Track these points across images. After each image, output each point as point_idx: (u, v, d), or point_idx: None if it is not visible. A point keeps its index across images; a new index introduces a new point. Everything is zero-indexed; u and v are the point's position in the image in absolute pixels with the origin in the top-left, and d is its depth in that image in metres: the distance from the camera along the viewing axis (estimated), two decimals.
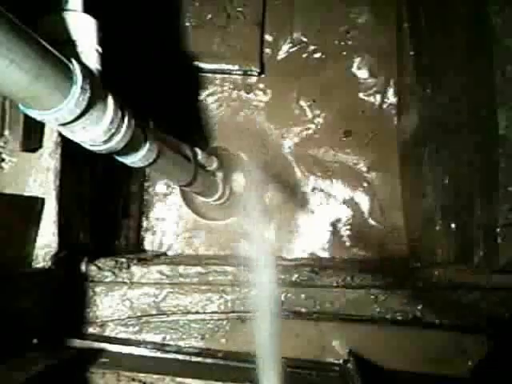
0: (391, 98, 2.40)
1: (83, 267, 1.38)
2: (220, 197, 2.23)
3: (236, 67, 2.34)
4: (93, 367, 1.17)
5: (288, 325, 1.34)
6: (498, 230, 1.40)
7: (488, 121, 1.46)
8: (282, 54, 2.43)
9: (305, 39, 2.42)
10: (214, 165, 2.04)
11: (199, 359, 1.28)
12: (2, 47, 0.68)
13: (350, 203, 2.36)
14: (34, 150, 1.30)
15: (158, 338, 1.35)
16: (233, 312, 1.36)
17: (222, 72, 2.37)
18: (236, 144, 2.42)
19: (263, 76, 2.40)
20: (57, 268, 1.30)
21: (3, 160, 1.28)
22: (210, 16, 2.35)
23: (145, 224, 2.37)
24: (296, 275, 1.43)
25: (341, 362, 1.30)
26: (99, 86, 0.96)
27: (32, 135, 1.27)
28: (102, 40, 1.06)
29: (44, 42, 0.79)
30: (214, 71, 2.37)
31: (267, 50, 2.41)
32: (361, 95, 2.41)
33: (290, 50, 2.43)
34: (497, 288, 1.37)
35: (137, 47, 2.17)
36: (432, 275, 1.45)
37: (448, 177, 1.80)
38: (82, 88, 0.86)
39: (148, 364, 1.25)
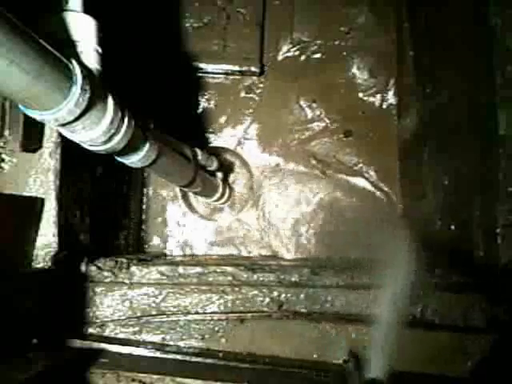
0: (391, 98, 2.40)
1: (83, 267, 1.38)
2: (220, 197, 2.23)
3: (236, 67, 2.34)
4: (93, 367, 1.17)
5: (288, 325, 1.34)
6: (498, 230, 1.40)
7: (488, 121, 1.46)
8: (282, 55, 2.43)
9: (305, 39, 2.42)
10: (214, 165, 2.04)
11: (199, 359, 1.28)
12: (2, 47, 0.68)
13: (350, 203, 2.36)
14: (34, 150, 1.30)
15: (157, 339, 1.35)
16: (233, 312, 1.36)
17: (222, 72, 2.37)
18: (236, 144, 2.42)
19: (263, 76, 2.40)
20: (57, 268, 1.30)
21: (3, 160, 1.28)
22: (209, 17, 2.35)
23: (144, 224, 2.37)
24: (296, 275, 1.43)
25: (341, 362, 1.30)
26: (99, 87, 0.96)
27: (32, 135, 1.27)
28: (102, 40, 1.05)
29: (44, 43, 0.78)
30: (214, 71, 2.37)
31: (267, 51, 2.41)
32: (361, 95, 2.41)
33: (290, 50, 2.43)
34: (497, 288, 1.37)
35: (137, 47, 2.17)
36: (432, 275, 1.45)
37: (448, 177, 1.80)
38: (81, 88, 0.86)
39: (148, 364, 1.24)
